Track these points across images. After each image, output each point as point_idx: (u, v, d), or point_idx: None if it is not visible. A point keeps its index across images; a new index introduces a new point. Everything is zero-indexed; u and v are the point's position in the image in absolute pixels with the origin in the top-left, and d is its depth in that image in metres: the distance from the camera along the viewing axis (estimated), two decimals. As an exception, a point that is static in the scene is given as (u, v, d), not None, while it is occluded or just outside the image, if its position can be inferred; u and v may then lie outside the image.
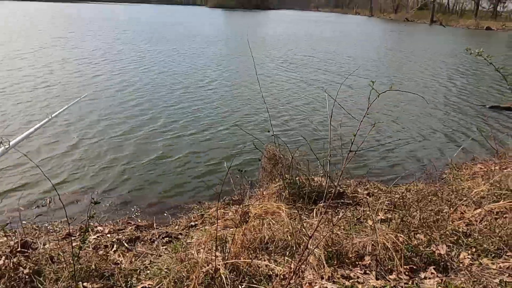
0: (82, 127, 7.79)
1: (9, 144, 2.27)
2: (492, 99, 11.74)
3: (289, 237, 3.21)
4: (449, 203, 4.02)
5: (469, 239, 3.31)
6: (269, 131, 4.56)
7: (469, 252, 3.13)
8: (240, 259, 2.94)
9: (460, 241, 3.26)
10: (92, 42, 21.51)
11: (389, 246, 2.97)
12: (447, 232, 3.37)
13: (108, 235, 4.19)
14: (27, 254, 3.27)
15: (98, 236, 4.16)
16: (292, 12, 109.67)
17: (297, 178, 4.52)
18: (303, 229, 3.11)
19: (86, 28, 30.89)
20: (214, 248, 3.08)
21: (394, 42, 31.92)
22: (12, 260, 2.99)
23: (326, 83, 13.30)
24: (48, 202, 5.00)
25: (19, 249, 3.35)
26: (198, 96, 10.77)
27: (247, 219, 3.63)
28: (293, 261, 2.78)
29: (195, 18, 56.16)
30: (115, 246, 3.89)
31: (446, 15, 72.05)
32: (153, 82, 12.27)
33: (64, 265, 2.96)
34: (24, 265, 3.00)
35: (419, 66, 18.58)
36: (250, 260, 2.88)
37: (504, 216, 3.57)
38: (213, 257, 2.84)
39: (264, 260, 3.02)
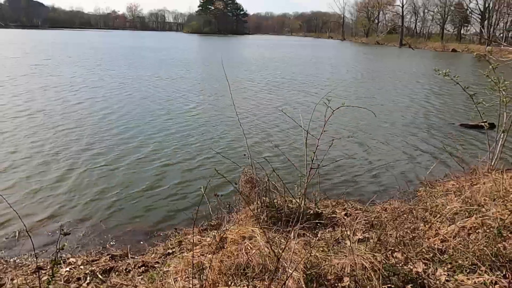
0: (54, 149, 7.59)
1: None
2: (461, 117, 12.21)
3: (267, 261, 3.17)
4: (424, 220, 4.08)
5: (445, 255, 3.35)
6: (245, 155, 4.57)
7: (445, 268, 3.17)
8: (218, 286, 2.88)
9: (435, 258, 3.30)
10: (71, 68, 21.25)
11: (367, 266, 2.97)
12: (423, 250, 3.41)
13: (81, 267, 4.03)
14: (-8, 291, 3.10)
15: (70, 268, 3.99)
16: (268, 37, 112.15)
17: (274, 201, 4.51)
18: (279, 251, 3.08)
19: (63, 54, 30.51)
20: (191, 276, 3.01)
21: (367, 64, 32.97)
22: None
23: (304, 104, 13.55)
24: (17, 234, 4.78)
25: (-17, 286, 3.17)
26: (178, 122, 10.72)
27: (225, 245, 3.57)
28: (272, 286, 2.74)
29: (175, 43, 56.57)
30: (88, 278, 3.74)
31: (414, 38, 75.44)
32: (136, 108, 12.18)
33: (33, 301, 2.82)
34: (-11, 303, 2.83)
35: (390, 86, 19.21)
36: (228, 287, 2.82)
37: (477, 231, 3.64)
38: (191, 286, 2.76)
39: (243, 286, 2.96)
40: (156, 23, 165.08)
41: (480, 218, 3.75)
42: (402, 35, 75.38)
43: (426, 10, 79.70)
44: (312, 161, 2.81)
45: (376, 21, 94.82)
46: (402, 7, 78.97)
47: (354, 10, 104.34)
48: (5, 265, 4.11)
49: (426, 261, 3.26)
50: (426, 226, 3.94)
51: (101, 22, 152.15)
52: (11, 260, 4.23)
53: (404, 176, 7.11)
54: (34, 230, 4.86)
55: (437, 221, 4.10)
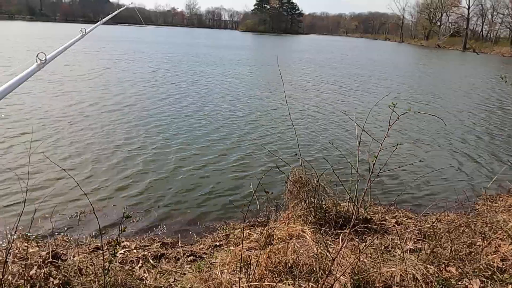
0: (123, 137, 8.14)
1: (45, 59, 2.33)
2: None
3: (313, 262, 3.16)
4: (482, 235, 3.85)
5: (505, 275, 3.15)
6: (296, 154, 4.56)
7: (505, 288, 2.98)
8: (264, 282, 2.92)
9: (495, 276, 3.11)
10: (146, 64, 22.41)
11: (418, 278, 2.87)
12: (481, 266, 3.22)
13: (135, 251, 4.25)
14: (57, 265, 3.37)
15: (124, 251, 4.23)
16: (322, 37, 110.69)
17: (323, 203, 4.47)
18: (328, 254, 3.06)
19: (136, 49, 32.16)
20: (238, 269, 3.07)
21: (427, 69, 31.47)
22: (43, 270, 3.08)
23: (357, 108, 13.28)
24: (79, 213, 5.15)
25: (50, 259, 3.46)
26: (233, 118, 10.95)
27: (272, 242, 3.61)
28: (318, 287, 2.74)
29: (235, 41, 57.71)
30: (140, 262, 3.94)
31: (479, 42, 70.59)
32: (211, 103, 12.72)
33: (92, 278, 3.03)
34: (54, 275, 3.08)
35: (451, 93, 18.22)
36: (274, 284, 2.85)
37: (543, 252, 3.38)
38: (237, 279, 2.83)
39: (289, 285, 2.98)
40: (212, 20, 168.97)
41: (548, 239, 3.48)
42: (466, 38, 70.89)
43: (495, 13, 74.33)
44: (374, 165, 2.74)
45: (439, 23, 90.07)
46: (468, 8, 74.40)
47: (414, 11, 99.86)
48: (67, 243, 4.44)
49: (484, 279, 3.08)
50: (485, 242, 3.72)
51: (161, 19, 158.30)
52: (73, 238, 4.56)
53: (462, 188, 6.72)
54: (96, 210, 5.21)
55: (497, 238, 3.86)
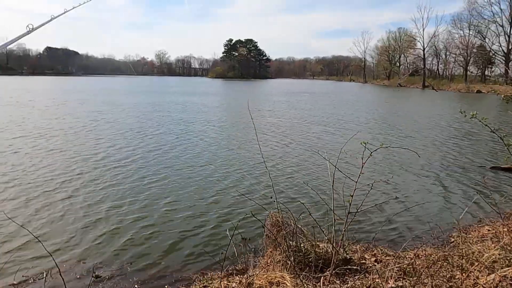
0: (91, 191, 7.80)
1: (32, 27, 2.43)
2: (491, 160, 11.84)
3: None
4: (460, 268, 3.87)
5: (486, 307, 3.14)
6: (271, 197, 4.54)
7: (488, 322, 2.96)
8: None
9: (477, 310, 3.10)
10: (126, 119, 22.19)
11: (402, 318, 2.81)
12: (462, 301, 3.21)
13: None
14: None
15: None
16: (290, 80, 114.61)
17: (302, 245, 4.41)
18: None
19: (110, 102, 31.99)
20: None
21: (390, 106, 32.91)
22: None
23: (328, 147, 13.53)
24: (44, 275, 4.81)
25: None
26: (204, 162, 10.87)
27: (252, 291, 3.48)
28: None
29: (206, 88, 58.51)
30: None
31: (437, 80, 75.30)
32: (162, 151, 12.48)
33: None
34: None
35: (415, 128, 18.99)
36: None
37: (520, 281, 3.42)
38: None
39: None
40: (182, 68, 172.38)
41: (523, 267, 3.53)
42: (424, 77, 75.72)
43: (448, 53, 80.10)
44: (350, 205, 2.76)
45: (398, 64, 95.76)
46: (424, 50, 79.92)
47: (375, 53, 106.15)
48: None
49: (467, 313, 3.06)
50: (464, 275, 3.73)
51: (131, 69, 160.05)
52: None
53: (436, 221, 6.83)
54: (63, 271, 4.89)
55: (475, 270, 3.88)
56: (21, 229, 5.69)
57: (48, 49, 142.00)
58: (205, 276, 4.77)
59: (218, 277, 4.28)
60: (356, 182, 2.84)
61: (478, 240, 5.26)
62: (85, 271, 4.96)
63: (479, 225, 6.33)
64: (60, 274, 3.19)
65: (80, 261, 5.25)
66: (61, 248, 5.58)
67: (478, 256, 4.26)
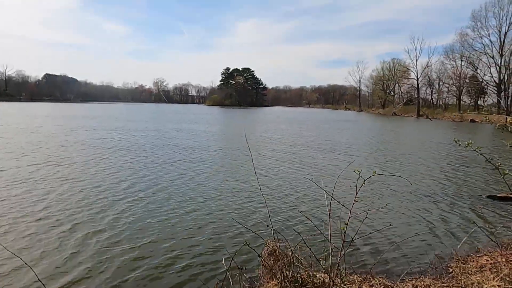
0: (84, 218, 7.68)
1: None
2: (487, 189, 11.86)
3: None
4: (460, 300, 3.81)
5: None
6: (268, 226, 4.51)
7: None
8: None
9: None
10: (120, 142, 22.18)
11: None
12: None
13: None
14: None
15: None
16: (287, 108, 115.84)
17: (298, 275, 4.33)
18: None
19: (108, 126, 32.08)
20: None
21: (386, 135, 33.20)
22: None
23: (325, 176, 13.52)
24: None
25: None
26: (198, 190, 10.81)
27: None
28: None
29: (204, 116, 58.84)
30: None
31: (431, 109, 76.52)
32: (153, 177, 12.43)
33: None
34: None
35: (411, 157, 19.08)
36: None
37: (520, 314, 3.37)
38: None
39: None
40: (180, 96, 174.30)
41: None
42: (418, 106, 76.97)
43: (441, 83, 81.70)
44: (345, 233, 2.74)
45: (392, 93, 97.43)
46: (417, 79, 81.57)
47: (369, 83, 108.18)
48: None
49: None
50: (463, 306, 3.67)
51: (129, 96, 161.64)
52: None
53: (434, 250, 6.77)
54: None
55: (474, 301, 3.82)
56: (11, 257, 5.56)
57: (47, 76, 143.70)
58: (200, 308, 4.65)
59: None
60: (350, 210, 2.84)
61: (477, 271, 5.20)
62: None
63: (477, 255, 6.27)
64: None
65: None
66: (54, 275, 5.45)
67: (477, 287, 4.21)
